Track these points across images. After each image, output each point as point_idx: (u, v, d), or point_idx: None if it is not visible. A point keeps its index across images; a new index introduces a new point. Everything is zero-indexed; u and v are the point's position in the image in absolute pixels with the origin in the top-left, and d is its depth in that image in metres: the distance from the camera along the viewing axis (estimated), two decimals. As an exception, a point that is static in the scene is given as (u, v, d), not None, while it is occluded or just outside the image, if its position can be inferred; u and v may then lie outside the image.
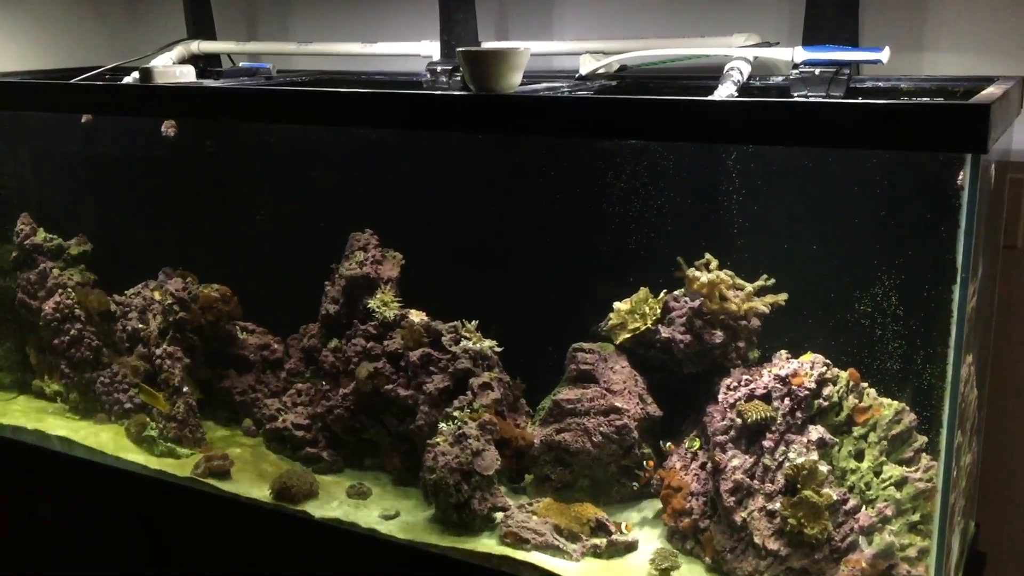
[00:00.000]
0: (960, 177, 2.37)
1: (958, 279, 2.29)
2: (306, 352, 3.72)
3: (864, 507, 2.79)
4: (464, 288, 3.55)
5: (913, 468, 2.83)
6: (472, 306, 3.40)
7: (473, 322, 3.35)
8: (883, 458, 2.84)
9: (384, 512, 3.23)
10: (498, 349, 3.32)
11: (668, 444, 3.16)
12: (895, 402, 2.88)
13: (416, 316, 3.40)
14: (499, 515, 3.09)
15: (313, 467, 3.48)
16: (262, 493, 3.37)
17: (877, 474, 2.83)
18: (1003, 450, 3.36)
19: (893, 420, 2.86)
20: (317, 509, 3.27)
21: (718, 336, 3.03)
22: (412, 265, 3.61)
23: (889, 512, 2.78)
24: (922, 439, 2.86)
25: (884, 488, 2.81)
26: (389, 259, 3.57)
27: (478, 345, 3.29)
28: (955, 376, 2.33)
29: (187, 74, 3.47)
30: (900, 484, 2.80)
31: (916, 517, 2.79)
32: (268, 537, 3.40)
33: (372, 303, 3.43)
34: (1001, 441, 3.35)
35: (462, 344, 3.29)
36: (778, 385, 2.88)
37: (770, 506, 2.80)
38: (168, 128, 3.82)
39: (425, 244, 3.63)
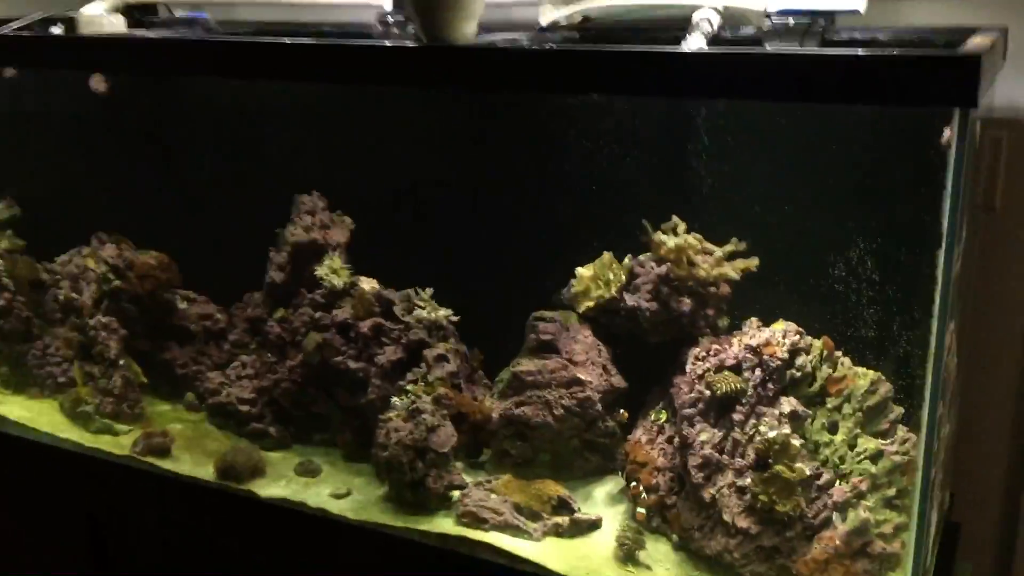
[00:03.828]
0: (945, 134, 2.22)
1: (943, 244, 2.14)
2: (251, 322, 3.54)
3: (838, 482, 2.67)
4: (418, 254, 3.39)
5: (889, 441, 2.71)
6: (427, 273, 3.31)
7: (427, 290, 3.21)
8: (858, 430, 2.72)
9: (335, 490, 3.09)
10: (454, 318, 3.19)
11: (622, 412, 3.02)
12: (871, 372, 2.75)
13: (367, 284, 3.25)
14: (456, 493, 2.96)
15: (259, 443, 3.32)
16: (205, 471, 3.21)
17: (852, 447, 2.71)
18: (977, 418, 3.26)
19: (868, 391, 2.73)
20: (264, 487, 3.13)
21: (686, 304, 2.88)
22: (363, 230, 3.45)
23: (864, 487, 2.66)
24: (898, 410, 2.74)
25: (859, 462, 2.69)
26: (338, 223, 3.40)
27: (433, 314, 3.15)
28: (939, 346, 2.20)
29: (116, 24, 3.23)
30: (875, 457, 2.68)
31: (892, 492, 2.67)
32: (212, 517, 3.24)
33: (320, 270, 3.27)
34: (975, 409, 3.25)
35: (416, 313, 3.15)
36: (749, 355, 2.74)
37: (740, 482, 2.67)
38: (98, 83, 3.57)
39: (377, 207, 3.44)
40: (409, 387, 3.01)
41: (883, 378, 2.74)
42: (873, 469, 2.68)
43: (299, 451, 3.32)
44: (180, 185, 3.83)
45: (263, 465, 3.19)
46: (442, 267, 3.32)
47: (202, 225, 3.79)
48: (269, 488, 3.11)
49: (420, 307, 3.15)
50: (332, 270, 3.27)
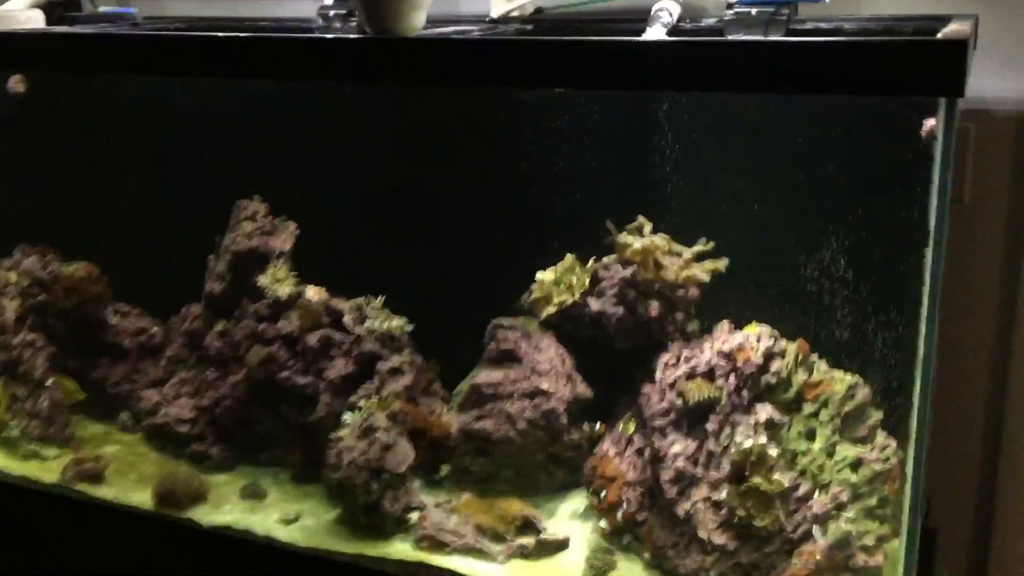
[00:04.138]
0: (927, 126, 2.10)
1: (930, 240, 2.02)
2: (189, 336, 3.35)
3: (817, 493, 2.54)
4: (368, 261, 3.22)
5: (868, 447, 2.59)
6: (378, 281, 3.15)
7: (379, 298, 3.08)
8: (836, 437, 2.60)
9: (283, 515, 2.93)
10: (408, 328, 3.05)
11: (600, 424, 2.87)
12: (848, 375, 2.63)
13: (314, 293, 3.11)
14: (414, 516, 2.83)
15: (201, 466, 3.17)
16: (142, 498, 3.03)
17: (830, 455, 2.59)
18: (951, 419, 3.16)
19: (846, 395, 2.61)
20: (206, 514, 2.96)
21: (654, 308, 2.73)
22: (308, 236, 3.26)
23: (844, 497, 2.53)
24: (877, 415, 2.62)
25: (838, 471, 2.56)
26: (281, 229, 3.21)
27: (385, 324, 3.01)
28: (928, 349, 2.07)
29: (34, 20, 3.00)
30: (855, 466, 2.56)
31: (873, 501, 2.56)
32: (151, 548, 3.03)
33: (263, 280, 3.11)
34: (949, 409, 3.15)
35: (367, 324, 3.01)
36: (722, 361, 2.60)
37: (716, 496, 2.54)
38: (16, 84, 3.33)
39: (322, 212, 3.28)
40: (361, 403, 2.86)
41: (861, 382, 2.62)
42: (853, 478, 2.56)
43: (243, 473, 3.16)
44: (109, 191, 3.62)
45: (205, 490, 3.03)
46: (394, 274, 3.16)
47: (134, 233, 3.59)
48: (212, 515, 2.95)
49: (371, 317, 3.01)
50: (276, 279, 3.09)
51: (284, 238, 3.19)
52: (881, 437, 2.62)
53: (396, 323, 3.01)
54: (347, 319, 3.01)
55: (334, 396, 2.95)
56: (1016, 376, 3.06)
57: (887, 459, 2.58)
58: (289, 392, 3.02)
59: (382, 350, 2.97)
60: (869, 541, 2.53)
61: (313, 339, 3.00)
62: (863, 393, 2.62)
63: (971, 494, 3.27)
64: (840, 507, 2.54)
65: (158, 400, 3.27)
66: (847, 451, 2.58)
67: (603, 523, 2.74)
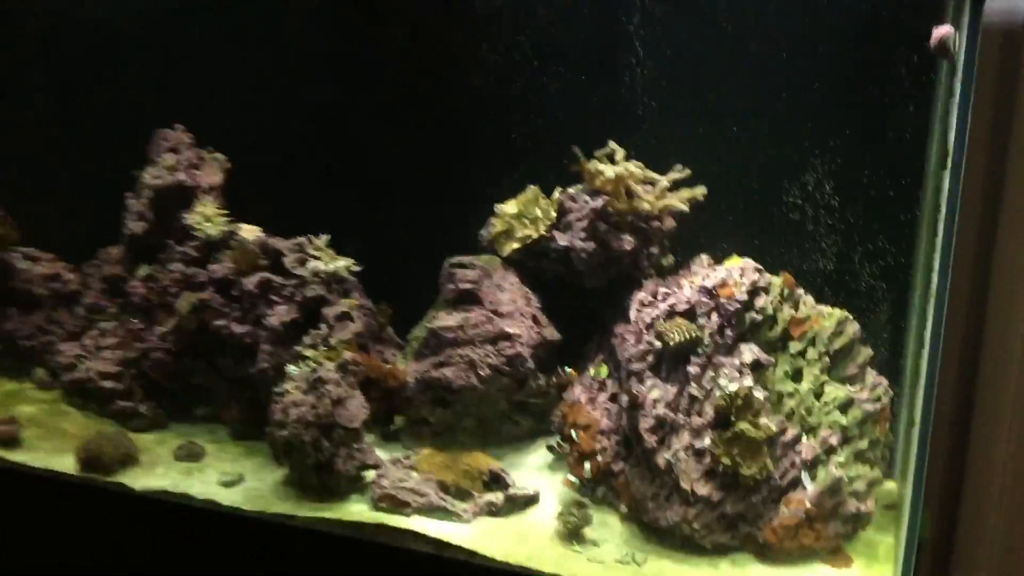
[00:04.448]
0: (937, 33, 1.89)
1: (949, 163, 1.82)
2: (109, 282, 3.11)
3: (805, 437, 2.39)
4: (309, 195, 3.00)
5: (858, 387, 2.44)
6: (320, 218, 2.89)
7: (323, 237, 2.85)
8: (824, 377, 2.44)
9: (224, 477, 2.73)
10: (356, 269, 2.84)
11: (569, 369, 2.67)
12: (836, 310, 2.46)
13: (249, 232, 2.89)
14: (370, 474, 2.63)
15: (129, 425, 2.95)
16: (65, 463, 2.78)
17: (818, 396, 2.44)
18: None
19: (835, 332, 2.45)
20: (138, 478, 2.72)
21: (627, 242, 2.53)
22: (239, 168, 3.03)
23: (834, 441, 2.39)
24: (867, 352, 2.47)
25: (827, 413, 2.41)
26: (209, 162, 2.99)
27: (331, 265, 2.79)
28: (942, 284, 1.89)
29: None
30: (845, 407, 2.42)
31: (864, 444, 2.42)
32: (78, 517, 2.77)
33: (190, 218, 2.91)
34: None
35: (311, 265, 2.79)
36: (704, 298, 2.41)
37: (698, 443, 2.37)
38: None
39: (255, 141, 3.02)
40: (308, 353, 2.67)
41: (850, 317, 2.46)
42: (843, 420, 2.41)
43: (177, 432, 2.98)
44: (10, 122, 3.29)
45: (135, 451, 2.81)
46: (338, 209, 2.94)
47: (41, 170, 3.29)
48: (144, 478, 2.72)
49: (315, 257, 2.80)
50: (205, 217, 2.87)
51: (213, 171, 2.96)
52: (871, 375, 2.47)
53: (343, 264, 2.77)
54: (288, 260, 2.81)
55: (276, 346, 2.77)
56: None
57: (878, 399, 2.43)
58: (225, 342, 2.85)
59: (328, 294, 2.77)
60: (860, 486, 2.39)
61: (250, 283, 2.81)
62: (852, 329, 2.46)
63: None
64: (830, 451, 2.40)
65: (78, 354, 3.01)
66: (836, 391, 2.43)
67: (572, 477, 2.55)
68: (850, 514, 2.37)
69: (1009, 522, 2.11)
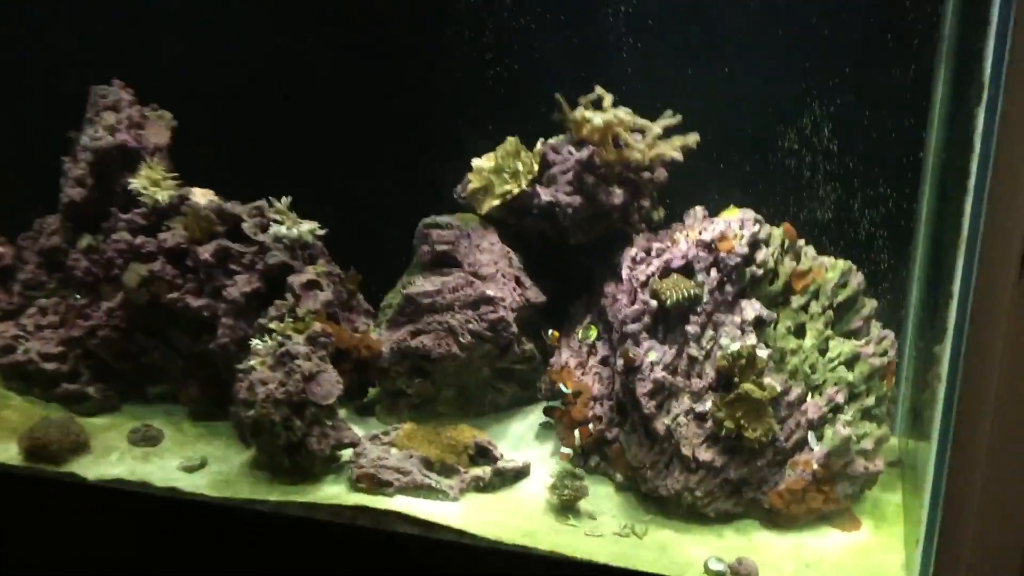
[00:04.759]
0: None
1: (984, 98, 1.68)
2: (47, 255, 2.91)
3: (810, 395, 2.28)
4: (266, 154, 2.82)
5: (864, 341, 2.32)
6: (279, 179, 2.72)
7: (284, 199, 2.68)
8: (828, 331, 2.33)
9: (186, 461, 2.56)
10: (321, 233, 2.69)
11: (552, 332, 2.51)
12: (840, 261, 2.34)
13: (202, 196, 2.72)
14: (346, 453, 2.48)
15: (77, 409, 2.77)
16: (8, 452, 2.59)
17: (823, 352, 2.32)
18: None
19: (838, 284, 2.33)
20: (91, 466, 2.54)
21: (616, 195, 2.38)
22: (187, 126, 2.79)
23: (840, 398, 2.28)
24: (871, 304, 2.36)
25: (832, 369, 2.30)
26: (153, 121, 2.81)
27: (294, 230, 2.64)
28: (973, 229, 1.76)
29: None
30: (851, 362, 2.31)
31: (871, 401, 2.31)
32: (25, 512, 2.58)
33: (136, 182, 2.71)
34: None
35: (272, 230, 2.64)
36: (702, 253, 2.27)
37: (699, 407, 2.25)
38: None
39: (204, 96, 2.84)
40: (273, 325, 2.50)
41: (854, 268, 2.34)
42: (849, 376, 2.30)
43: (130, 414, 2.80)
44: None
45: (85, 437, 2.62)
46: (299, 169, 2.77)
47: None
48: (98, 466, 2.55)
49: (277, 222, 2.63)
50: (152, 181, 2.68)
51: (158, 131, 2.77)
52: (876, 328, 2.36)
53: (307, 228, 2.61)
54: (247, 226, 2.63)
55: (237, 319, 2.61)
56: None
57: (884, 352, 2.32)
58: (180, 317, 2.67)
59: (292, 261, 2.61)
60: (868, 444, 2.28)
61: (206, 252, 2.62)
62: (856, 280, 2.34)
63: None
64: (836, 410, 2.29)
65: (15, 334, 2.79)
66: (841, 347, 2.32)
67: (566, 450, 2.42)
68: (858, 474, 2.27)
69: None
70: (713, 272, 2.27)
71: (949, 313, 1.82)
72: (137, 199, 2.69)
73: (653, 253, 2.35)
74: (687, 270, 2.29)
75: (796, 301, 2.34)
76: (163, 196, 2.68)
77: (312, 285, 2.57)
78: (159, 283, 2.63)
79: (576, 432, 2.41)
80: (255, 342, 2.48)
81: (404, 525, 2.31)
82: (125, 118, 2.73)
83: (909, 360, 2.44)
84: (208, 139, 2.80)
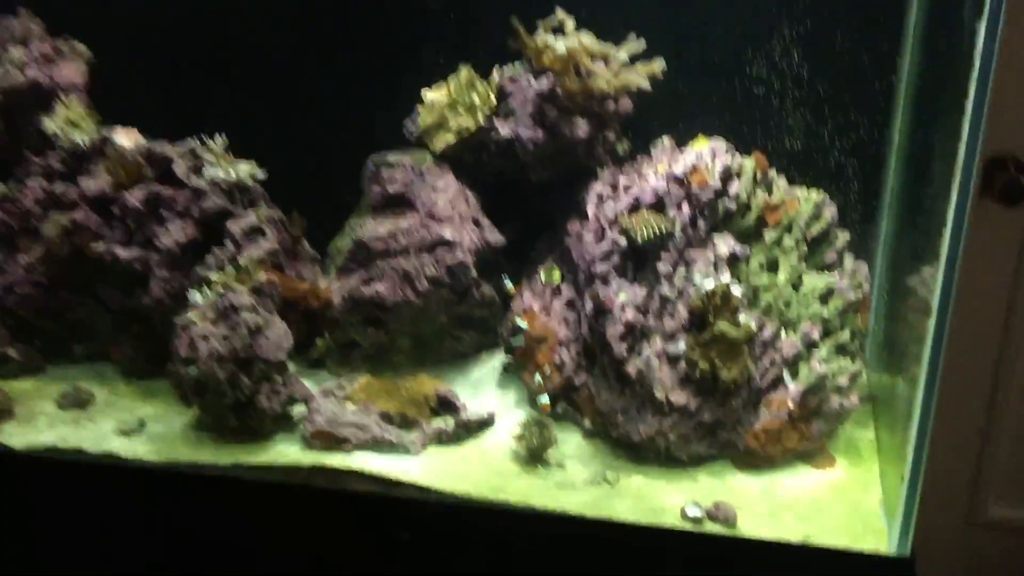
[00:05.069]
0: None
1: (985, 11, 1.58)
2: None
3: (784, 332, 2.21)
4: (197, 90, 2.62)
5: (837, 274, 2.26)
6: (213, 116, 2.57)
7: (219, 139, 2.51)
8: (802, 266, 2.26)
9: (122, 425, 2.41)
10: (261, 175, 2.53)
11: (508, 284, 2.39)
12: (813, 192, 2.27)
13: (127, 137, 2.55)
14: (299, 409, 2.36)
15: None
16: None
17: (796, 288, 2.25)
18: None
19: (812, 216, 2.25)
20: (18, 433, 2.39)
21: (581, 128, 2.27)
22: (107, 62, 2.65)
23: (815, 335, 2.22)
24: (844, 236, 2.29)
25: (807, 305, 2.23)
26: (68, 55, 2.63)
27: (231, 172, 2.49)
28: (971, 150, 1.67)
29: None
30: (825, 297, 2.24)
31: (845, 336, 2.25)
32: None
33: (51, 124, 2.55)
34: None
35: (207, 173, 2.48)
36: (673, 187, 2.18)
37: (672, 349, 2.16)
38: None
39: (124, 27, 2.62)
40: (213, 276, 2.36)
41: (828, 199, 2.26)
42: (824, 312, 2.23)
43: (57, 376, 2.63)
44: None
45: (9, 402, 2.48)
46: (234, 105, 2.60)
47: None
48: (25, 434, 2.39)
49: (212, 164, 2.46)
50: (70, 121, 2.52)
51: (73, 67, 2.63)
52: (850, 261, 2.29)
53: (245, 169, 2.47)
54: (178, 168, 2.48)
55: (172, 270, 2.47)
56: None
57: (859, 286, 2.26)
58: (108, 269, 2.51)
59: (231, 206, 2.47)
60: (843, 381, 2.23)
61: (134, 198, 2.48)
62: (830, 212, 2.27)
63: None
64: (811, 346, 2.23)
65: None
66: (815, 281, 2.25)
67: (545, 399, 2.31)
68: (834, 411, 2.22)
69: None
70: (685, 207, 2.17)
71: (941, 241, 1.75)
72: (54, 142, 2.52)
73: (621, 189, 2.24)
74: (658, 205, 2.19)
75: (769, 235, 2.26)
76: (83, 138, 2.54)
77: (254, 232, 2.45)
78: (83, 233, 2.48)
79: (537, 377, 2.30)
80: (194, 295, 2.33)
81: (363, 483, 2.22)
82: (36, 53, 2.55)
83: (880, 293, 2.39)
84: (130, 74, 2.61)
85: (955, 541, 2.01)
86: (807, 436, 2.21)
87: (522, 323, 2.34)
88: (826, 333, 2.26)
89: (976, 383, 1.84)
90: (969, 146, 1.66)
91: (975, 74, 1.62)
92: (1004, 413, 2.40)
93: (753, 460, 2.21)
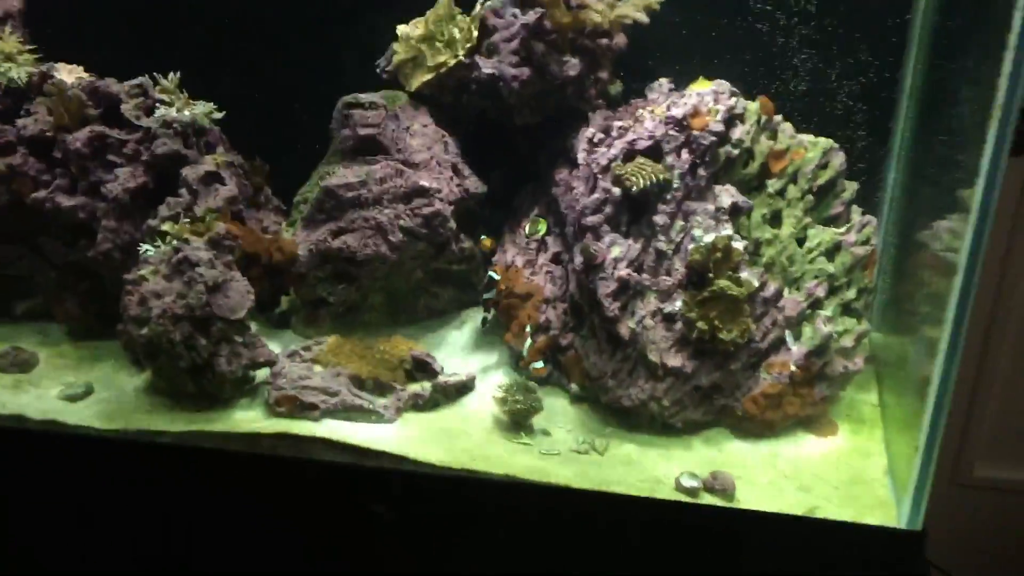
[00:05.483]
0: None
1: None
2: None
3: (788, 290, 2.05)
4: (148, 20, 2.41)
5: (845, 228, 2.10)
6: (166, 50, 2.36)
7: (172, 76, 2.33)
8: (807, 219, 2.10)
9: (68, 389, 2.24)
10: (219, 116, 2.35)
11: (484, 238, 2.22)
12: (821, 139, 2.10)
13: (69, 73, 2.36)
14: (262, 372, 2.19)
15: None
16: None
17: (800, 242, 2.09)
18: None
19: (819, 165, 2.08)
20: None
21: (571, 65, 2.09)
22: None
23: (820, 292, 2.07)
24: (852, 186, 2.13)
25: (811, 261, 2.08)
26: None
27: (186, 113, 2.32)
28: (1007, 111, 1.51)
29: None
30: (831, 252, 2.08)
31: (852, 294, 2.11)
32: None
33: None
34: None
35: (159, 114, 2.29)
36: (672, 131, 2.00)
37: (668, 307, 2.00)
38: None
39: None
40: (166, 227, 2.18)
41: (836, 147, 2.10)
42: (830, 268, 2.08)
43: None
44: None
45: None
46: (189, 39, 2.40)
47: None
48: None
49: (164, 103, 2.29)
50: (4, 55, 2.32)
51: None
52: (857, 214, 2.13)
53: (201, 110, 2.30)
54: (127, 108, 2.31)
55: (121, 221, 2.29)
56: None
57: (866, 240, 2.10)
58: (50, 220, 2.34)
59: (186, 150, 2.30)
60: (848, 342, 2.09)
61: (78, 141, 2.29)
62: (838, 160, 2.10)
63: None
64: (816, 305, 2.08)
65: None
66: (821, 235, 2.10)
67: (538, 364, 2.15)
68: (838, 375, 2.07)
69: None
70: (684, 154, 1.99)
71: (970, 195, 1.59)
72: (-18, 79, 2.30)
73: (614, 133, 2.06)
74: (655, 151, 2.02)
75: (772, 185, 2.09)
76: (20, 73, 2.32)
77: (211, 178, 2.27)
78: (21, 180, 2.31)
79: (528, 339, 2.13)
80: (145, 248, 2.13)
81: (333, 453, 2.07)
82: (-41, -24, 2.33)
83: (886, 248, 2.24)
84: (72, 2, 2.38)
85: (941, 501, 1.88)
86: (809, 401, 2.07)
87: (495, 275, 2.17)
88: (831, 291, 2.11)
89: (968, 343, 1.70)
90: (1008, 97, 1.50)
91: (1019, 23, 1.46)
92: (993, 373, 2.30)
93: (752, 427, 2.07)
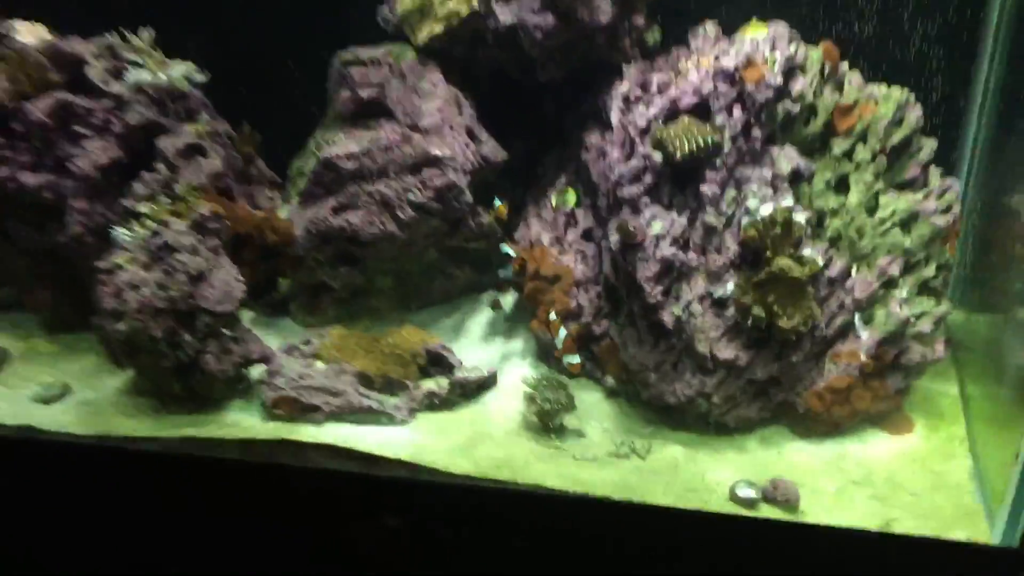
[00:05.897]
0: None
1: None
2: None
3: (856, 268, 1.79)
4: None
5: (922, 194, 1.83)
6: (139, 5, 2.12)
7: (145, 33, 2.13)
8: (880, 184, 1.83)
9: (43, 389, 2.07)
10: (200, 78, 2.14)
11: (498, 203, 1.97)
12: (894, 91, 1.82)
13: (28, 33, 2.13)
14: (257, 371, 1.98)
15: None
16: None
17: (871, 212, 1.83)
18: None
19: (892, 121, 1.81)
20: None
21: (602, 10, 1.82)
22: None
23: (895, 270, 1.82)
24: (930, 145, 1.86)
25: (884, 233, 1.82)
26: None
27: (161, 75, 2.11)
28: None
29: None
30: (907, 223, 1.82)
31: (930, 271, 1.86)
32: None
33: None
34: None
35: (132, 77, 2.08)
36: (722, 86, 1.74)
37: (718, 291, 1.77)
38: None
39: None
40: (143, 207, 1.95)
41: (912, 100, 1.83)
42: (906, 241, 1.83)
43: None
44: None
45: None
46: None
47: None
48: None
49: (136, 64, 2.03)
50: None
51: None
52: (936, 177, 1.86)
53: (179, 71, 2.09)
54: (93, 72, 2.09)
55: (92, 200, 2.08)
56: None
57: (948, 208, 1.84)
58: (14, 201, 2.11)
59: (163, 118, 2.09)
60: (926, 326, 1.84)
61: (40, 110, 2.07)
62: (915, 115, 1.84)
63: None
64: (889, 284, 1.84)
65: None
66: (895, 203, 1.85)
67: (572, 359, 1.93)
68: (914, 364, 1.83)
69: None
70: (737, 111, 1.75)
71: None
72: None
73: (653, 89, 1.83)
74: (702, 110, 1.77)
75: (839, 146, 1.84)
76: None
77: (193, 150, 2.09)
78: None
79: (561, 329, 1.89)
80: (120, 232, 1.95)
81: (338, 461, 1.90)
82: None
83: (968, 214, 1.97)
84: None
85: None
86: (881, 395, 1.84)
87: (510, 250, 1.93)
88: (907, 268, 1.86)
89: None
90: None
91: None
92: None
93: (816, 425, 1.87)
